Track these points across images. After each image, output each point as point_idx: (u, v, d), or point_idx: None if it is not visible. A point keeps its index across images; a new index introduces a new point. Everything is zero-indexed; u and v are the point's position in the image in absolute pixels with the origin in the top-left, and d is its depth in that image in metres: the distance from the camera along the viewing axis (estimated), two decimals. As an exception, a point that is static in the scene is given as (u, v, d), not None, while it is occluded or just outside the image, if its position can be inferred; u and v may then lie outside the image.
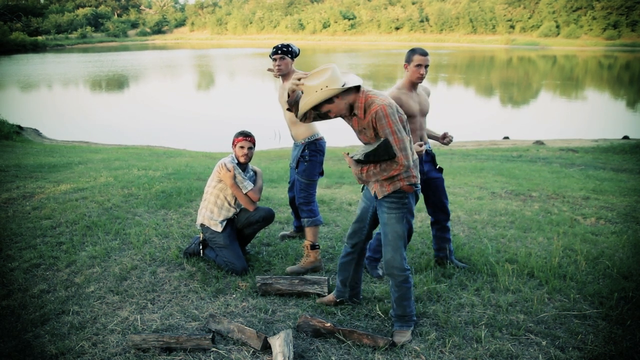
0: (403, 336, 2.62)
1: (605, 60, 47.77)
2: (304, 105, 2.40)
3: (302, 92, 2.44)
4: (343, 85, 2.34)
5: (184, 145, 13.31)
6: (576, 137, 14.94)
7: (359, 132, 2.56)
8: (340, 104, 2.42)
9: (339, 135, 13.37)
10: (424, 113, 3.29)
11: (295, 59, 3.63)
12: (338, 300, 2.99)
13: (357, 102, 2.45)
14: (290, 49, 3.55)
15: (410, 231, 3.41)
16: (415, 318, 2.72)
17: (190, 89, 26.92)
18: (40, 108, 19.61)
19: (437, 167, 3.42)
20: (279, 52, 3.51)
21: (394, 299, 2.69)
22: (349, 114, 2.51)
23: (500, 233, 4.39)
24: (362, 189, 2.85)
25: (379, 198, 2.62)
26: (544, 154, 11.12)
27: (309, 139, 3.60)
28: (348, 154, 2.58)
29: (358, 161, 2.49)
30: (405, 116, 2.55)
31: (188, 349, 2.49)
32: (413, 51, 3.18)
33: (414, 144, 3.19)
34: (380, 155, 2.41)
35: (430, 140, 3.58)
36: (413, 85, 3.22)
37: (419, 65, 3.13)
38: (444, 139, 3.37)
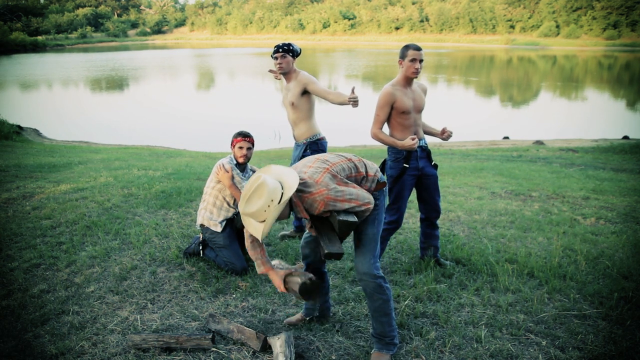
0: (380, 359, 2.41)
1: (605, 60, 47.77)
2: (265, 230, 2.20)
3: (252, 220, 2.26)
4: (282, 193, 2.17)
5: (184, 145, 13.31)
6: (576, 137, 14.94)
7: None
8: (286, 209, 2.26)
9: (340, 135, 13.39)
10: (418, 109, 3.29)
11: (297, 58, 3.64)
12: (307, 319, 2.82)
13: (296, 207, 2.28)
14: (291, 47, 3.56)
15: (397, 225, 3.38)
16: (397, 341, 2.49)
17: (190, 89, 26.92)
18: (40, 108, 19.61)
19: (432, 163, 3.41)
20: (281, 50, 3.53)
21: (370, 313, 2.48)
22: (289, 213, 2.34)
23: (500, 233, 4.39)
24: None
25: None
26: (544, 154, 11.12)
27: (310, 138, 3.61)
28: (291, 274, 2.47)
29: (331, 255, 2.25)
30: (341, 163, 2.39)
31: (188, 349, 2.49)
32: (407, 47, 3.20)
33: (406, 139, 3.18)
34: (348, 229, 2.27)
35: (429, 138, 3.57)
36: (408, 81, 3.22)
37: (413, 60, 3.14)
38: (443, 134, 3.37)
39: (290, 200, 2.26)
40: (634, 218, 4.99)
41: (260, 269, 2.54)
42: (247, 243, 2.52)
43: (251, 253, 2.53)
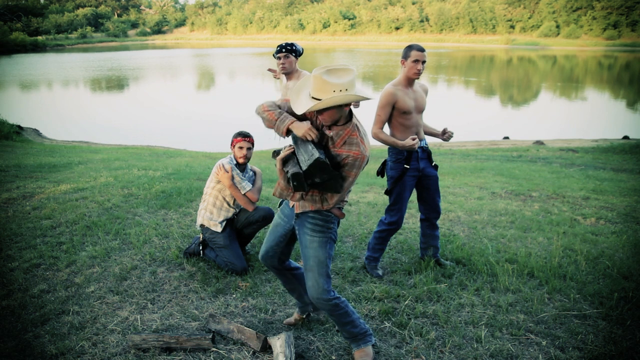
0: (363, 355, 2.44)
1: (605, 60, 47.78)
2: (319, 106, 2.05)
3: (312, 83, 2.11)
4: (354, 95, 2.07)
5: (184, 145, 13.31)
6: (576, 137, 14.94)
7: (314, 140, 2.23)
8: (338, 114, 2.14)
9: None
10: (419, 110, 3.29)
11: (299, 58, 3.64)
12: (304, 316, 2.83)
13: (342, 130, 2.19)
14: (294, 47, 3.56)
15: (398, 226, 3.36)
16: (370, 332, 2.49)
17: (190, 89, 26.92)
18: (40, 108, 19.61)
19: (433, 164, 3.41)
20: (284, 50, 3.52)
21: (335, 323, 2.52)
22: (327, 126, 2.21)
23: (500, 233, 4.39)
24: (280, 204, 2.59)
25: (297, 212, 2.37)
26: (544, 154, 11.12)
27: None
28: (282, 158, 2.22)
29: (295, 176, 2.09)
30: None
31: (188, 349, 2.49)
32: (410, 47, 3.20)
33: (407, 139, 3.18)
34: (325, 176, 2.11)
35: (429, 138, 3.57)
36: (410, 81, 3.23)
37: (416, 61, 3.14)
38: (444, 135, 3.37)
39: (350, 117, 2.19)
40: (634, 218, 4.99)
41: (285, 122, 2.23)
42: (264, 107, 2.30)
43: (271, 114, 2.27)
